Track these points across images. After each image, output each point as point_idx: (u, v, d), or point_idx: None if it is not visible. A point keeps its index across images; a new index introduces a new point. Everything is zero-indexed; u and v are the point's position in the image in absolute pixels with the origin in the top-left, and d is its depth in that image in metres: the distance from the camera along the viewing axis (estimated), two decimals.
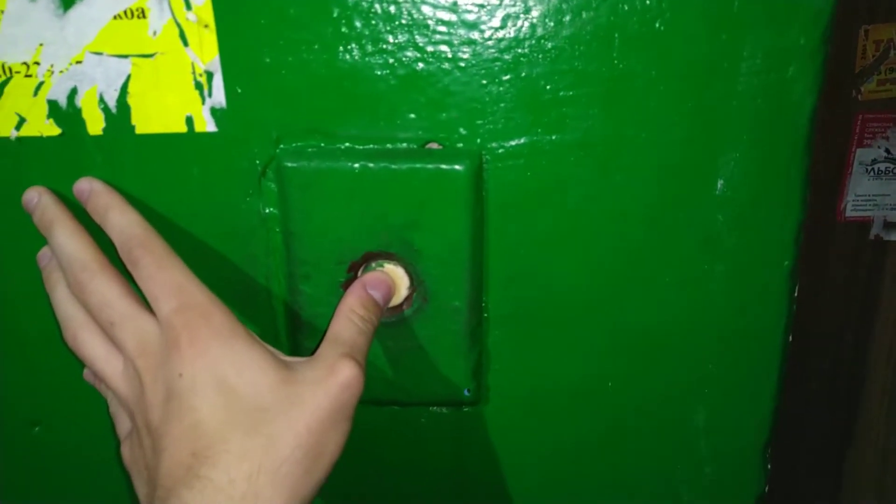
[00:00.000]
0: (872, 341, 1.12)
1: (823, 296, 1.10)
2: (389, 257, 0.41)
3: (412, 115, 0.40)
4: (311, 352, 0.37)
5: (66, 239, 0.39)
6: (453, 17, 0.38)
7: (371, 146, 0.40)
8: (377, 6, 0.38)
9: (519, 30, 0.38)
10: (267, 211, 0.42)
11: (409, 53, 0.39)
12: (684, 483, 0.48)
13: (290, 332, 0.43)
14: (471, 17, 0.38)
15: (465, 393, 0.44)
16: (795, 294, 0.43)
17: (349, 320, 0.38)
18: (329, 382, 0.35)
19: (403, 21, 0.38)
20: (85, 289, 0.38)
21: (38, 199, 0.41)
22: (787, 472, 1.20)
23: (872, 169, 1.05)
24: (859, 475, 1.18)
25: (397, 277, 0.41)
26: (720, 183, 0.41)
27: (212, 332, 0.35)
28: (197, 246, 0.43)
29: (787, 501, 1.22)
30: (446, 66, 0.39)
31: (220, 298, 0.37)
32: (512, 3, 0.38)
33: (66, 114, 0.40)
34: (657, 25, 0.38)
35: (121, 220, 0.39)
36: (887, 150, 1.05)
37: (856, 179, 1.06)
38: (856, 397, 1.15)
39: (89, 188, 0.40)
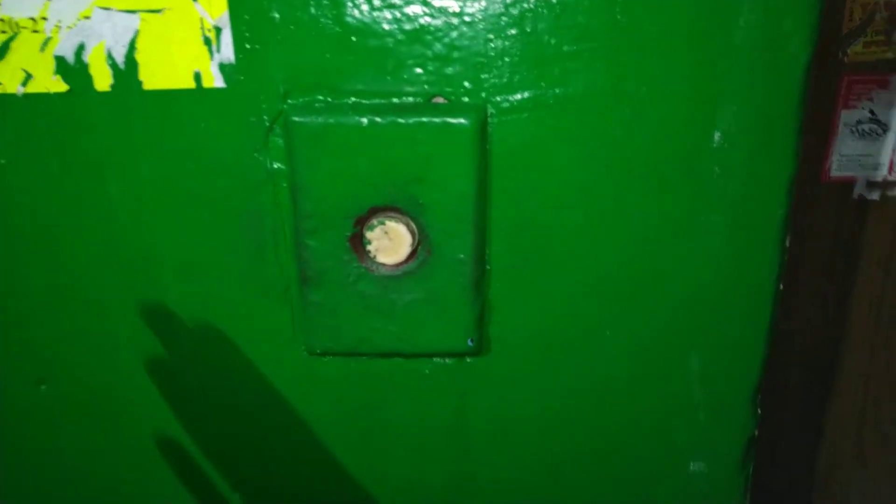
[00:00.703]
0: (853, 297, 1.15)
1: (808, 254, 1.13)
2: (395, 211, 0.42)
3: (418, 70, 0.40)
4: None
5: None
6: None
7: (377, 101, 0.41)
8: None
9: None
10: (274, 166, 0.42)
11: (415, 8, 0.39)
12: (680, 429, 0.49)
13: (298, 285, 0.44)
14: None
15: (469, 343, 0.45)
16: (787, 244, 0.45)
17: None
18: None
19: None
20: None
21: None
22: (773, 428, 1.24)
23: (857, 130, 1.07)
24: (839, 426, 1.22)
25: (398, 236, 0.42)
26: (717, 135, 0.42)
27: None
28: (204, 201, 0.43)
29: (772, 454, 1.26)
30: (453, 20, 0.39)
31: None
32: None
33: (73, 70, 0.40)
34: None
35: None
36: (872, 112, 1.06)
37: (841, 140, 1.07)
38: (837, 351, 1.18)
39: None
